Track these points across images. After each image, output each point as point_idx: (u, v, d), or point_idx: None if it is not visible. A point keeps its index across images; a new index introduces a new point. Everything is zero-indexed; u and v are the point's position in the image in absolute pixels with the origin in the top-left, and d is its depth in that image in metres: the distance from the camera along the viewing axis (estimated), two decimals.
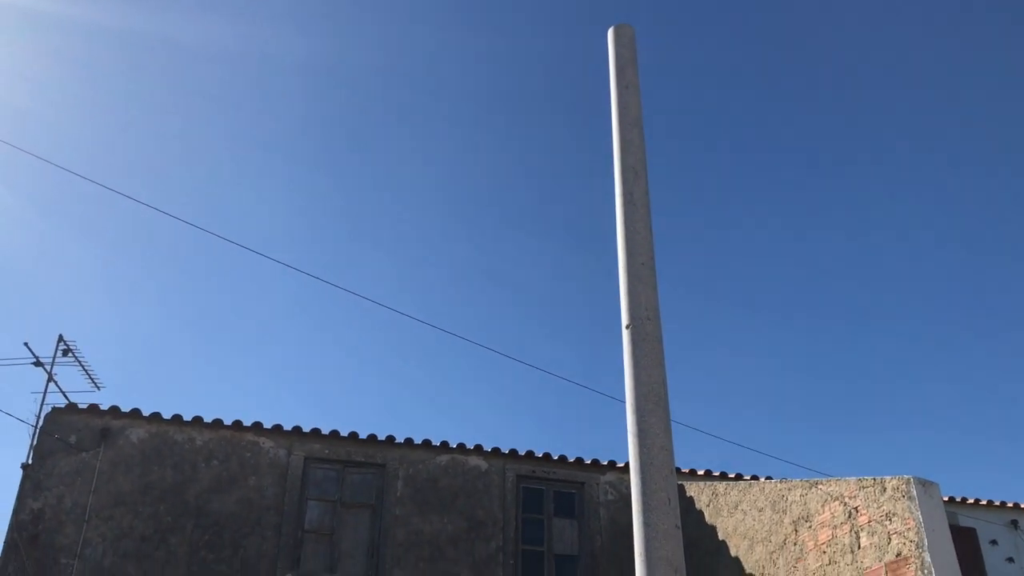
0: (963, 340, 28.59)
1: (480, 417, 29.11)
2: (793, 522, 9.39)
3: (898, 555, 7.82)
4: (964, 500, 12.56)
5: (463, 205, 31.27)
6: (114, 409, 11.18)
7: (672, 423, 3.91)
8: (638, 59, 5.01)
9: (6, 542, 10.19)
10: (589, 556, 11.91)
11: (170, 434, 11.27)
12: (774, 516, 9.73)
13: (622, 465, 12.50)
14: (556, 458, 12.39)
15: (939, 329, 29.19)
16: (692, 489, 11.44)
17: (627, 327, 4.07)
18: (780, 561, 9.46)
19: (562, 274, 30.50)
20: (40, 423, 10.88)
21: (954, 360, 28.75)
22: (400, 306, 22.04)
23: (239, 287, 28.63)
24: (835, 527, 8.72)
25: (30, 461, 10.65)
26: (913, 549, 7.67)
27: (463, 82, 29.92)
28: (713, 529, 10.81)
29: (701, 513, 11.11)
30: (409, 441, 11.94)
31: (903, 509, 7.90)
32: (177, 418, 11.32)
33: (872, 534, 8.19)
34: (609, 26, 5.06)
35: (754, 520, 10.07)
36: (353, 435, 11.78)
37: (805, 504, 9.27)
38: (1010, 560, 12.16)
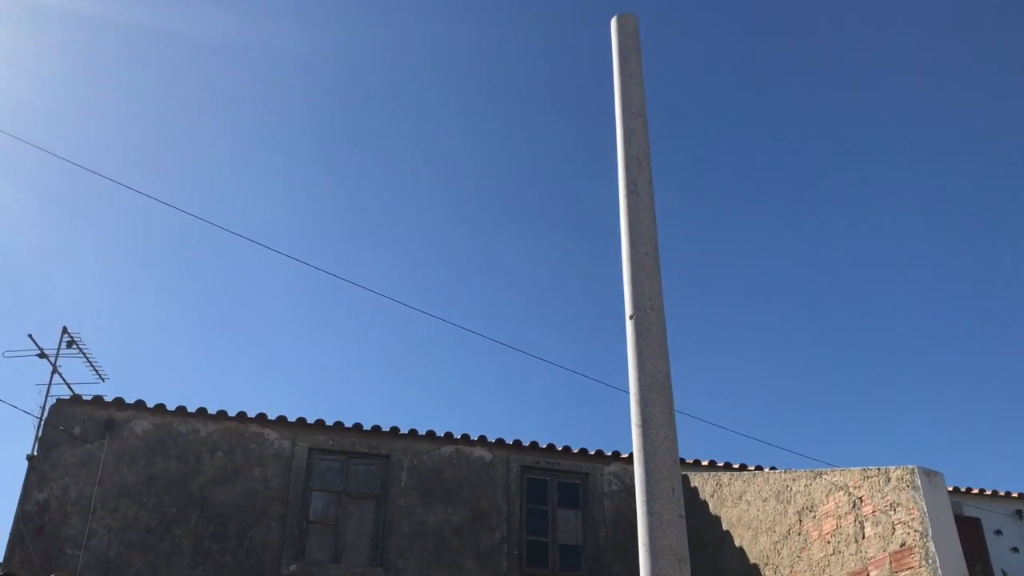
0: (969, 330, 28.56)
1: (484, 409, 29.16)
2: (797, 512, 9.39)
3: (902, 545, 7.82)
4: (969, 490, 12.56)
5: (465, 198, 31.25)
6: (118, 401, 11.20)
7: (676, 413, 3.90)
8: (641, 49, 4.99)
9: (12, 533, 10.23)
10: (593, 546, 11.92)
11: (174, 425, 11.29)
12: (778, 506, 9.73)
13: (626, 456, 12.50)
14: (560, 449, 12.40)
15: (945, 319, 29.16)
16: (696, 479, 11.44)
17: (631, 317, 4.06)
18: (784, 551, 9.47)
19: (565, 266, 30.49)
20: (45, 415, 10.91)
21: (960, 350, 28.72)
22: (402, 299, 22.04)
23: (242, 279, 28.66)
24: (839, 517, 8.71)
25: (35, 452, 10.68)
26: (917, 539, 7.67)
27: (465, 75, 29.88)
28: (717, 519, 10.81)
29: (705, 503, 11.11)
30: (413, 432, 11.95)
31: (908, 499, 7.89)
32: (181, 409, 11.34)
33: (876, 524, 8.19)
34: (612, 17, 5.04)
35: (758, 510, 10.07)
36: (357, 426, 11.79)
37: (809, 494, 9.27)
38: (1015, 550, 12.15)
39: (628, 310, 4.11)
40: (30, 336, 11.11)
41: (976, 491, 12.59)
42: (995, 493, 12.68)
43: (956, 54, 27.62)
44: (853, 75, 28.42)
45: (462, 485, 11.86)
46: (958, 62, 27.68)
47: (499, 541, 11.64)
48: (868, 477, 8.45)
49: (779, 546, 9.57)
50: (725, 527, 10.63)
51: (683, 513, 3.61)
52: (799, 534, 9.29)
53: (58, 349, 11.23)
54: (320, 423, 11.68)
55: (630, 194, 4.42)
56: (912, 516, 7.78)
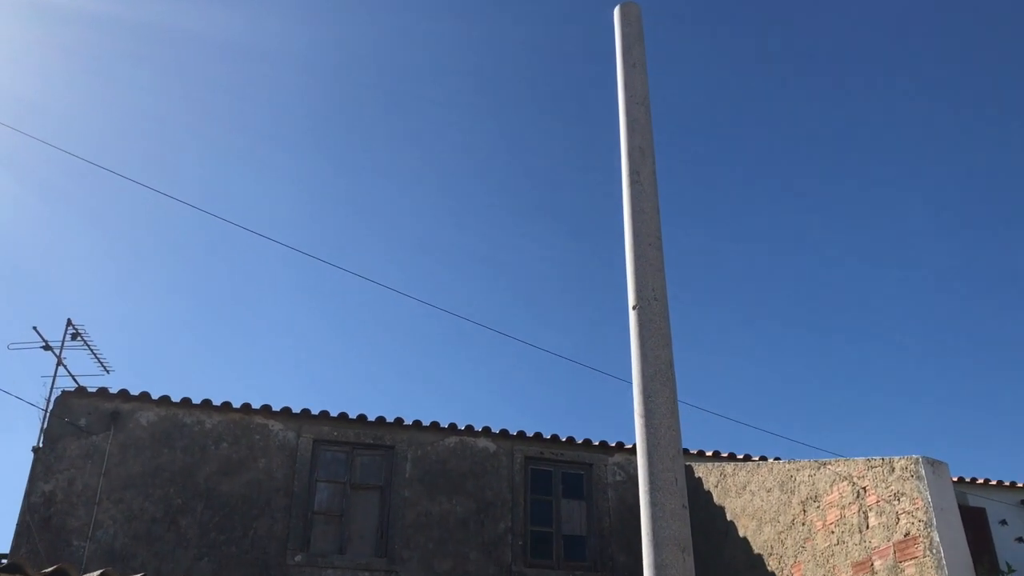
0: (974, 319, 28.51)
1: (488, 400, 29.19)
2: (801, 502, 9.39)
3: (906, 535, 7.81)
4: (974, 480, 12.53)
5: (465, 192, 31.23)
6: (123, 392, 11.23)
7: (680, 404, 3.90)
8: (644, 38, 4.97)
9: (18, 525, 10.26)
10: (598, 537, 11.94)
11: (179, 417, 11.31)
12: (782, 496, 9.73)
13: (630, 446, 12.50)
14: (564, 439, 12.41)
15: (950, 308, 29.11)
16: (700, 470, 11.44)
17: (634, 308, 4.06)
18: (788, 541, 9.47)
19: (567, 258, 30.49)
20: (50, 407, 10.94)
21: (965, 340, 28.67)
22: (404, 292, 22.07)
23: (246, 272, 28.70)
24: (843, 507, 8.71)
25: (41, 444, 10.71)
26: (922, 529, 7.67)
27: (461, 69, 29.83)
28: (721, 510, 10.82)
29: (709, 494, 11.11)
30: (418, 423, 11.97)
31: (912, 489, 7.88)
32: (186, 401, 11.36)
33: (880, 514, 8.18)
34: (611, 9, 5.03)
35: (762, 501, 10.08)
36: (362, 417, 11.81)
37: (813, 484, 9.26)
38: (1020, 540, 12.12)
39: (631, 300, 4.10)
40: (35, 328, 11.16)
41: (981, 481, 12.56)
42: (1000, 483, 12.64)
43: (965, 54, 27.51)
44: (856, 69, 28.33)
45: (466, 476, 11.88)
46: (969, 62, 27.57)
47: (503, 532, 11.66)
48: (872, 467, 8.44)
49: (783, 536, 9.57)
50: (729, 517, 10.64)
51: (686, 503, 3.61)
52: (803, 524, 9.29)
53: (63, 341, 11.27)
54: (324, 414, 11.70)
55: (633, 184, 4.41)
56: (916, 506, 7.78)
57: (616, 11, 5.00)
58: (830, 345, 29.06)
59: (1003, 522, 12.12)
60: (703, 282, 29.86)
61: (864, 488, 8.48)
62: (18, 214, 26.42)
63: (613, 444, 12.56)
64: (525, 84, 30.05)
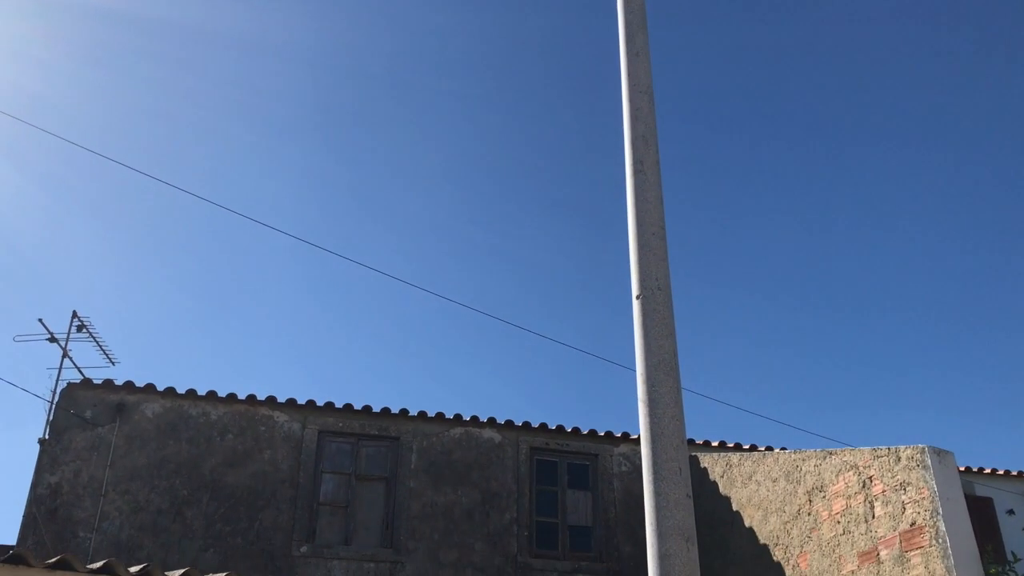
0: (980, 309, 28.42)
1: (493, 391, 29.20)
2: (807, 492, 9.37)
3: (912, 524, 7.79)
4: (980, 470, 12.50)
5: (471, 184, 31.17)
6: (129, 384, 11.24)
7: (685, 393, 3.88)
8: (648, 27, 4.94)
9: (25, 516, 10.29)
10: (603, 527, 11.94)
11: (185, 408, 11.33)
12: (788, 486, 9.71)
13: (636, 436, 12.49)
14: (570, 430, 12.40)
15: (956, 298, 29.03)
16: (706, 460, 11.43)
17: (637, 297, 4.04)
18: (794, 531, 9.45)
19: (574, 248, 30.44)
20: (56, 398, 10.96)
21: (971, 329, 28.59)
22: (410, 282, 22.05)
23: (252, 263, 28.71)
24: (849, 497, 8.69)
25: (47, 436, 10.74)
26: (928, 518, 7.64)
27: (472, 61, 29.75)
28: (727, 500, 10.80)
29: (715, 484, 11.10)
30: (423, 414, 11.97)
31: (918, 478, 7.86)
32: (191, 392, 11.37)
33: (886, 503, 8.16)
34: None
35: (768, 490, 10.06)
36: (367, 408, 11.81)
37: (819, 474, 9.24)
38: None
39: (635, 290, 4.08)
40: (40, 321, 11.17)
41: (988, 470, 12.53)
42: (1007, 473, 12.62)
43: (970, 51, 27.35)
44: (861, 62, 28.19)
45: (472, 467, 11.88)
46: (975, 58, 27.42)
47: (509, 522, 11.66)
48: (878, 456, 8.42)
49: (789, 526, 9.55)
50: (735, 507, 10.63)
51: (690, 493, 3.59)
52: (809, 514, 9.27)
53: (68, 333, 11.28)
54: (330, 405, 11.70)
55: (636, 173, 4.39)
56: (922, 495, 7.76)
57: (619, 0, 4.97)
58: (838, 334, 29.01)
59: (1010, 511, 12.09)
60: (709, 270, 29.79)
61: (870, 478, 8.46)
62: (24, 206, 26.45)
63: (619, 434, 12.54)
64: (537, 75, 29.99)
